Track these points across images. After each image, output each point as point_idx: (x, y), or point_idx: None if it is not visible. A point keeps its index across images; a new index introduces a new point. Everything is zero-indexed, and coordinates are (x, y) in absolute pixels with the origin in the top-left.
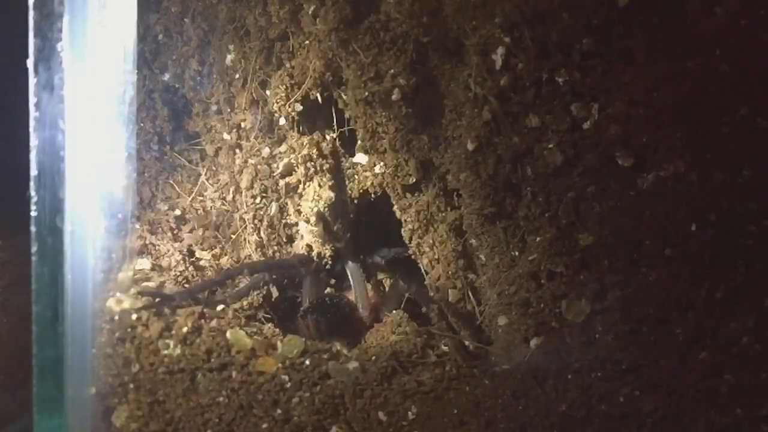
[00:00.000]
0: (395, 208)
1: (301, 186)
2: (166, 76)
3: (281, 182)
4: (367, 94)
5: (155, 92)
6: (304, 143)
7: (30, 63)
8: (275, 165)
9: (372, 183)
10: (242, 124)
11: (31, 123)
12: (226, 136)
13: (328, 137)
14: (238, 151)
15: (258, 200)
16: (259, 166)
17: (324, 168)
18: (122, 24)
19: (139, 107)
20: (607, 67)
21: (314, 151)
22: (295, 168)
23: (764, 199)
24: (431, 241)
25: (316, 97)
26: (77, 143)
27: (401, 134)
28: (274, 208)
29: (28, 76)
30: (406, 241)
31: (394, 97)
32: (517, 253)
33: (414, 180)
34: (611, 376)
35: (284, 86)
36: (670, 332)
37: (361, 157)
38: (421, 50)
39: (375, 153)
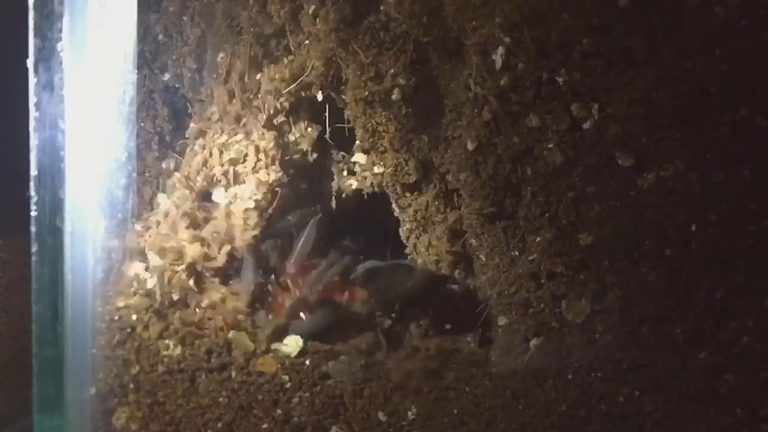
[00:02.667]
0: (394, 207)
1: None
2: (166, 76)
3: (228, 169)
4: (367, 94)
5: (155, 92)
6: (264, 135)
7: (30, 63)
8: (226, 152)
9: (371, 183)
10: (212, 116)
11: (31, 123)
12: (193, 125)
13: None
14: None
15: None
16: (212, 150)
17: (272, 162)
18: (122, 24)
19: (139, 107)
20: (607, 67)
21: (270, 144)
22: (244, 159)
23: (764, 199)
24: (428, 241)
25: (311, 96)
26: (77, 143)
27: (401, 134)
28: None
29: (28, 76)
30: (404, 241)
31: (394, 97)
32: (517, 253)
33: (413, 180)
34: (611, 376)
35: (274, 82)
36: (670, 332)
37: (360, 157)
38: (421, 50)
39: (375, 153)
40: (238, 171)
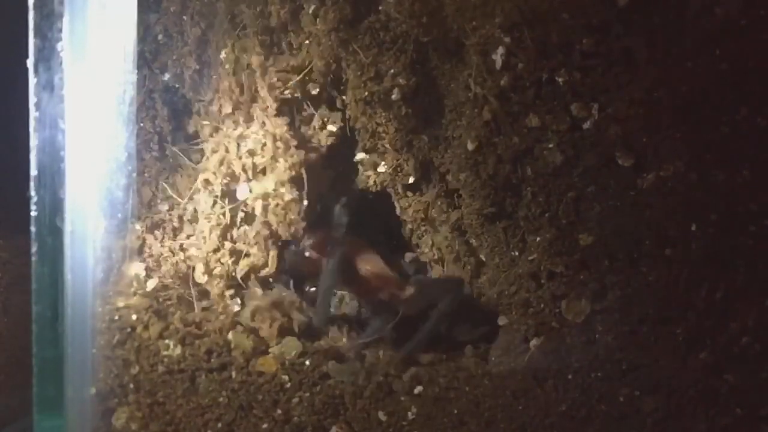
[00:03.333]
0: (396, 206)
1: (266, 167)
2: (166, 76)
3: (247, 162)
4: (367, 94)
5: (155, 92)
6: (278, 123)
7: (30, 63)
8: (243, 144)
9: (374, 182)
10: (222, 110)
11: (31, 123)
12: (205, 122)
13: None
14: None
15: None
16: (228, 146)
17: (291, 152)
18: (122, 24)
19: (139, 107)
20: (607, 67)
21: (285, 130)
22: (262, 148)
23: (764, 199)
24: (431, 241)
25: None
26: (77, 143)
27: (401, 134)
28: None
29: (28, 76)
30: (407, 240)
31: (394, 97)
32: (517, 253)
33: (413, 180)
34: (611, 376)
35: (279, 78)
36: (670, 332)
37: (361, 156)
38: (421, 50)
39: (375, 153)
40: (257, 162)
